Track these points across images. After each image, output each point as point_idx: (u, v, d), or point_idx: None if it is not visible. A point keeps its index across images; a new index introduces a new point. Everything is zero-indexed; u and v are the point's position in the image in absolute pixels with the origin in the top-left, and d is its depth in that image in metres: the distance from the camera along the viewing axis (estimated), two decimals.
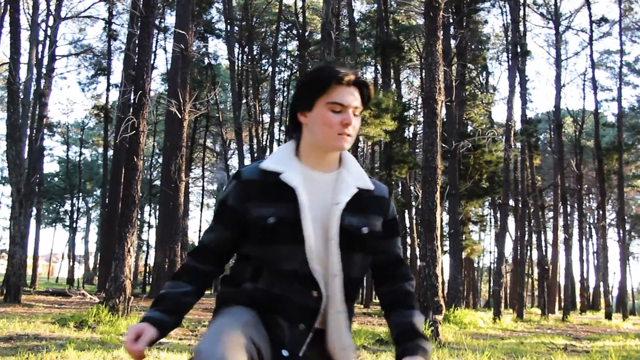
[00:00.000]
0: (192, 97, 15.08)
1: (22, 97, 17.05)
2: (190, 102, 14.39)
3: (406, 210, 35.83)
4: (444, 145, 16.53)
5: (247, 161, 41.33)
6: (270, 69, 38.31)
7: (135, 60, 11.25)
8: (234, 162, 42.25)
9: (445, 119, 19.03)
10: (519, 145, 24.84)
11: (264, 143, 39.95)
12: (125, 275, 10.50)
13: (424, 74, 29.35)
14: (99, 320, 9.94)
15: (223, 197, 2.02)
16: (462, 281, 19.91)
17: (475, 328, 15.97)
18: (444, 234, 23.41)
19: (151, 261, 45.69)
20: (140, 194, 11.09)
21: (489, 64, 35.56)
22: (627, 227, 40.41)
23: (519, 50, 19.64)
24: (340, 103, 1.93)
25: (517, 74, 20.56)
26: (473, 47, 26.03)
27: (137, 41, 11.69)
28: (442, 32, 10.66)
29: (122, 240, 10.57)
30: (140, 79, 10.92)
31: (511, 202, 27.76)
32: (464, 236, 22.46)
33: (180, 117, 13.79)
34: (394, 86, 30.05)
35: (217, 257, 2.04)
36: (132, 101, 10.85)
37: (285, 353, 1.87)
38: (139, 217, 42.28)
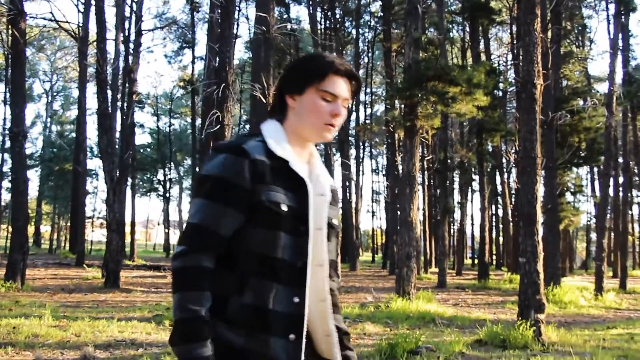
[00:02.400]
0: (276, 79, 14.81)
1: (110, 80, 17.26)
2: (275, 85, 14.13)
3: (497, 173, 34.87)
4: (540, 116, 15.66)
5: None
6: (353, 32, 37.58)
7: (217, 50, 11.00)
8: None
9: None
10: (621, 109, 23.37)
11: (350, 106, 39.50)
12: None
13: (514, 29, 28.05)
14: None
15: (226, 174, 1.81)
16: (560, 258, 19.11)
17: (576, 307, 15.31)
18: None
19: None
20: None
21: (585, 15, 33.58)
22: None
23: (622, 9, 18.18)
24: (332, 93, 1.92)
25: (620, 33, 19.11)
26: (570, 5, 24.46)
27: (218, 31, 11.47)
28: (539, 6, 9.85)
29: None
30: (223, 71, 10.72)
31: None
32: (560, 207, 21.45)
33: (264, 101, 13.57)
34: (482, 44, 28.89)
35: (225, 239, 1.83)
36: (215, 94, 10.64)
37: None
38: None
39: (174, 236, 59.95)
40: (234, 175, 1.80)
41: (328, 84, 1.91)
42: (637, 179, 32.76)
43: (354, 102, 39.92)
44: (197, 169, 32.65)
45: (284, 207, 1.81)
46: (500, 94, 30.66)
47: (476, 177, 30.08)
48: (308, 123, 1.93)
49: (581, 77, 29.18)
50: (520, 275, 9.37)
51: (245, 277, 1.81)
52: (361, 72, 41.03)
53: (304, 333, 1.82)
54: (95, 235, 49.45)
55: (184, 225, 1.91)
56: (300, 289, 1.83)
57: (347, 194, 33.23)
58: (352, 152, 39.91)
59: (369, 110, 43.76)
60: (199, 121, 33.77)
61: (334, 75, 1.91)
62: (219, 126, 10.65)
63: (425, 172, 33.45)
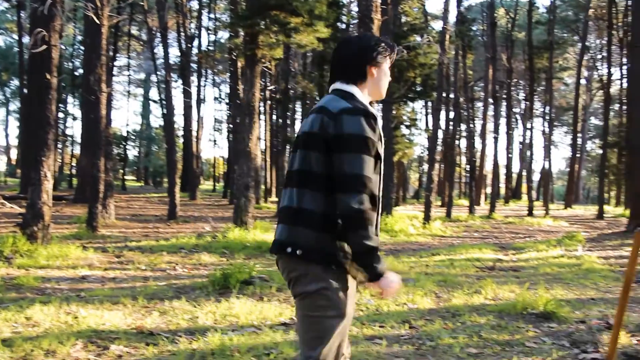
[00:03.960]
0: None
1: None
2: (109, 5, 13.21)
3: None
4: None
5: (173, 50, 39.81)
6: None
7: None
8: (161, 50, 40.49)
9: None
10: (453, 47, 24.39)
11: (192, 31, 38.32)
12: (42, 201, 9.91)
13: None
14: (17, 250, 9.44)
15: (372, 135, 2.41)
16: (393, 186, 19.96)
17: (405, 236, 16.18)
18: None
19: (77, 150, 44.48)
20: (62, 85, 10.31)
21: None
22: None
23: None
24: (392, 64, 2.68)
25: None
26: None
27: None
28: None
29: (38, 165, 9.89)
30: None
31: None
32: (395, 139, 22.33)
33: (98, 23, 12.69)
34: None
35: None
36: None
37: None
38: (63, 107, 40.66)
39: (1, 162, 56.10)
40: (375, 135, 2.42)
41: (393, 57, 2.66)
42: (465, 113, 34.74)
43: (197, 27, 38.78)
44: (25, 90, 30.41)
45: (382, 155, 2.48)
46: (344, 26, 30.98)
47: None
48: (382, 87, 2.64)
49: (419, 13, 30.07)
50: None
51: None
52: None
53: None
54: None
55: (345, 175, 2.39)
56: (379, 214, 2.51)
57: (188, 122, 32.51)
58: (194, 79, 38.97)
59: (212, 37, 42.64)
60: (26, 39, 31.29)
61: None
62: (45, 46, 9.87)
63: (268, 102, 33.40)
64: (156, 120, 58.92)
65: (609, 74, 31.56)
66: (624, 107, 29.96)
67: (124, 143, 46.24)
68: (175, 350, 4.63)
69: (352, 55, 2.58)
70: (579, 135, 42.11)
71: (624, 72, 29.76)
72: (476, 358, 4.65)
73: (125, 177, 45.57)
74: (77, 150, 44.02)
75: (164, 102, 31.31)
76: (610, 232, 18.60)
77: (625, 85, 28.43)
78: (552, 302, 6.27)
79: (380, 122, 2.46)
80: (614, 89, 36.61)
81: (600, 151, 31.57)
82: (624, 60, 29.28)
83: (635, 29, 18.35)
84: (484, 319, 5.79)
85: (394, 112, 22.08)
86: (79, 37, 39.65)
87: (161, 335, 5.02)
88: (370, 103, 2.62)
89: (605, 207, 30.93)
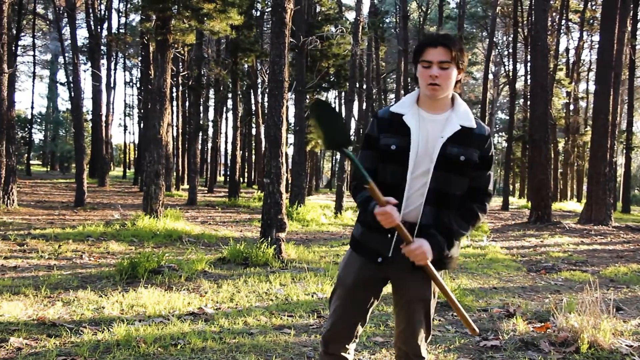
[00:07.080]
0: None
1: None
2: None
3: (252, 92, 35.43)
4: (291, 39, 15.99)
5: (82, 31, 38.53)
6: None
7: None
8: (69, 31, 39.15)
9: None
10: (366, 38, 24.66)
11: (102, 13, 37.18)
12: None
13: None
14: None
15: (369, 130, 2.80)
16: (305, 176, 20.03)
17: (317, 225, 16.32)
18: (290, 128, 23.27)
19: None
20: None
21: None
22: None
23: None
24: (426, 60, 2.62)
25: None
26: None
27: None
28: None
29: None
30: None
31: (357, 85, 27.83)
32: (308, 129, 22.39)
33: None
34: None
35: (371, 171, 2.71)
36: None
37: (379, 260, 2.72)
38: None
39: None
40: (371, 130, 2.78)
41: (424, 55, 2.61)
42: (378, 104, 35.34)
43: (106, 9, 37.65)
44: None
45: (393, 147, 2.65)
46: (258, 14, 30.81)
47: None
48: (421, 87, 2.68)
49: (333, 4, 30.22)
50: (263, 195, 9.67)
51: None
52: None
53: (396, 233, 2.63)
54: None
55: None
56: (400, 202, 2.64)
57: (97, 106, 31.58)
58: (104, 62, 37.86)
59: (123, 19, 41.44)
60: None
61: (429, 47, 2.61)
62: None
63: (180, 88, 32.88)
64: (64, 104, 57.00)
65: (515, 70, 32.76)
66: (528, 102, 31.15)
67: (29, 126, 44.44)
68: (79, 341, 4.53)
69: None
70: None
71: (529, 68, 30.95)
72: (382, 347, 4.77)
73: (31, 162, 43.85)
74: None
75: (71, 85, 30.24)
76: (514, 223, 19.37)
77: (529, 81, 29.55)
78: (457, 292, 6.50)
79: (410, 116, 2.70)
80: (519, 84, 38.01)
81: (506, 144, 32.73)
82: (528, 57, 30.44)
83: (537, 27, 19.10)
84: (391, 308, 5.92)
85: (307, 101, 22.19)
86: None
87: (64, 326, 4.90)
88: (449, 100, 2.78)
89: (510, 199, 32.10)
